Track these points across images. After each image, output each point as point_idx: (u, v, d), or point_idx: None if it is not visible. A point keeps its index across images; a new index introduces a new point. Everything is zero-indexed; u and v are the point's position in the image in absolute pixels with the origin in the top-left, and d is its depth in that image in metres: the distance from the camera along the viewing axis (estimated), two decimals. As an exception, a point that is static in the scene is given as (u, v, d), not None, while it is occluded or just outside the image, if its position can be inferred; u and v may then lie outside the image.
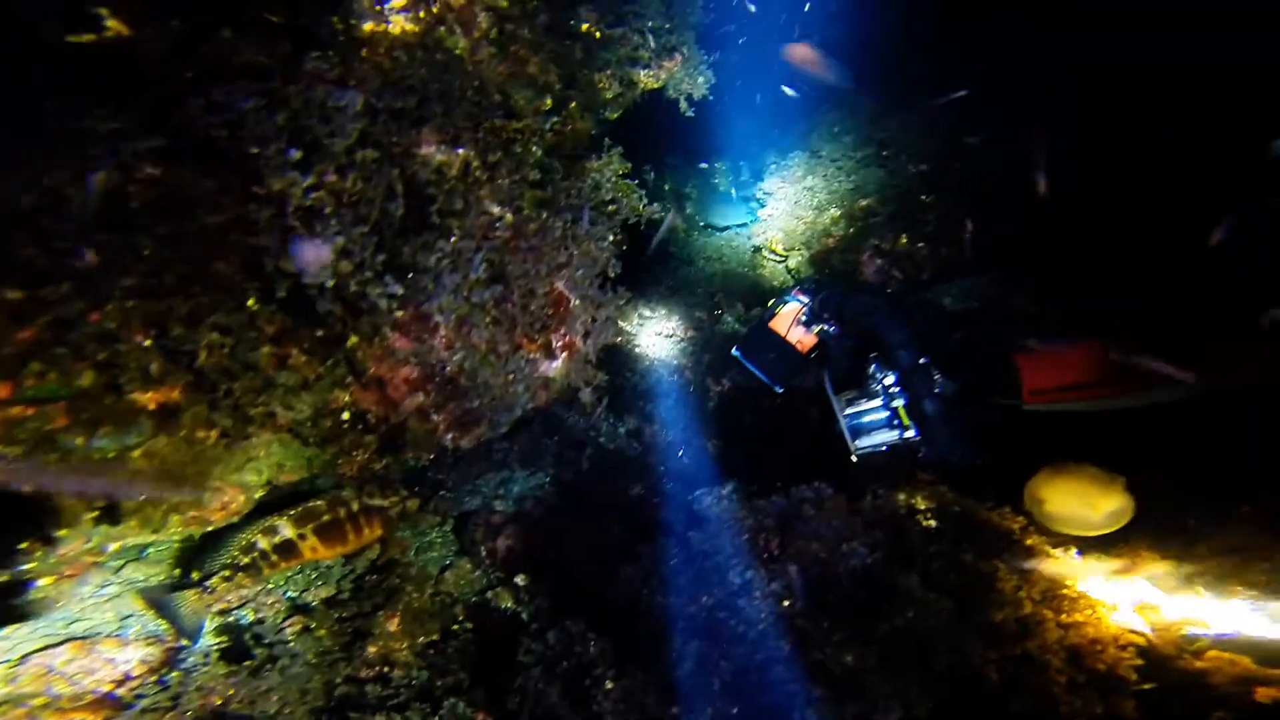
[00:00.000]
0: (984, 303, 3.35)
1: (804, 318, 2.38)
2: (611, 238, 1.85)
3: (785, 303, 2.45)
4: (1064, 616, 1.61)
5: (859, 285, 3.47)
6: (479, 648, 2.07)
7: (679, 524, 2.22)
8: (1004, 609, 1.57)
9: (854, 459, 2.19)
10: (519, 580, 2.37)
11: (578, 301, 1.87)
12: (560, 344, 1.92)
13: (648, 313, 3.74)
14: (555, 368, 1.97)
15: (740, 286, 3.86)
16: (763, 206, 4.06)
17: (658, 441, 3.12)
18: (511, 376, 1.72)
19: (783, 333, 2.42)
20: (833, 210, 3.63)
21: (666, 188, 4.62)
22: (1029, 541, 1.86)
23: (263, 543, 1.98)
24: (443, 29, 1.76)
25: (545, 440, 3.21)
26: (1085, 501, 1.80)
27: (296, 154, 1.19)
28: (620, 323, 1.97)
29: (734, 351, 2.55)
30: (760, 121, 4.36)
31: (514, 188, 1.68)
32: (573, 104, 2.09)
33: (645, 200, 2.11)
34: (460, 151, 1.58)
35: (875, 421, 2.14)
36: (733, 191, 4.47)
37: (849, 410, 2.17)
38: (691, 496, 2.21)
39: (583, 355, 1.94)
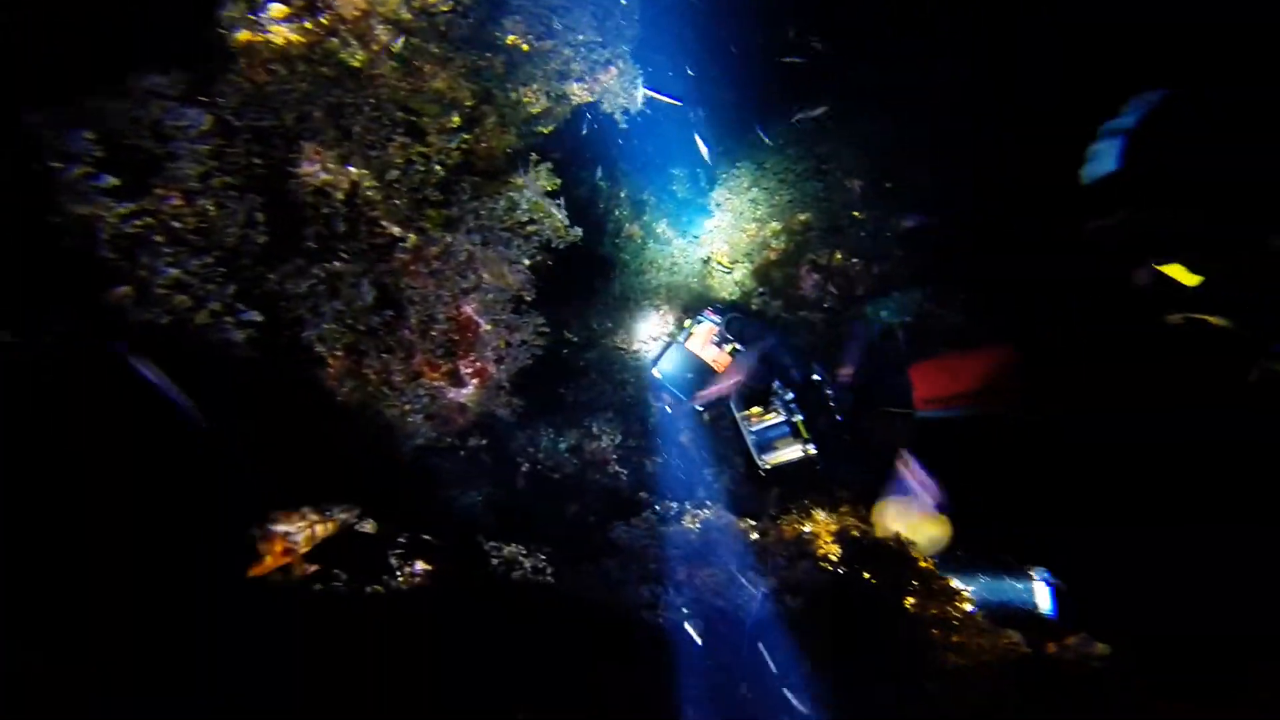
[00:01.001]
0: (918, 317, 3.39)
1: (715, 338, 2.44)
2: (527, 260, 1.76)
3: (700, 323, 2.51)
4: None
5: (797, 300, 3.46)
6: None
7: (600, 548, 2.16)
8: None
9: (762, 474, 2.23)
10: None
11: (488, 326, 1.78)
12: (470, 370, 1.82)
13: (594, 325, 3.67)
14: (467, 394, 1.88)
15: (689, 298, 3.82)
16: (711, 216, 4.02)
17: (597, 458, 3.05)
18: (408, 407, 1.61)
19: (699, 352, 2.46)
20: (773, 223, 3.61)
21: (622, 194, 4.55)
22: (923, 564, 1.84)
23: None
24: (335, 40, 1.64)
25: (481, 458, 3.10)
26: (910, 528, 1.83)
27: (111, 180, 1.07)
28: (537, 345, 1.88)
29: (653, 371, 2.53)
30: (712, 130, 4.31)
31: (414, 208, 1.57)
32: (489, 120, 1.99)
33: (567, 221, 2.02)
34: (351, 170, 1.47)
35: (779, 435, 2.14)
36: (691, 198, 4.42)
37: (755, 426, 2.19)
38: (611, 525, 2.14)
39: (495, 381, 1.85)
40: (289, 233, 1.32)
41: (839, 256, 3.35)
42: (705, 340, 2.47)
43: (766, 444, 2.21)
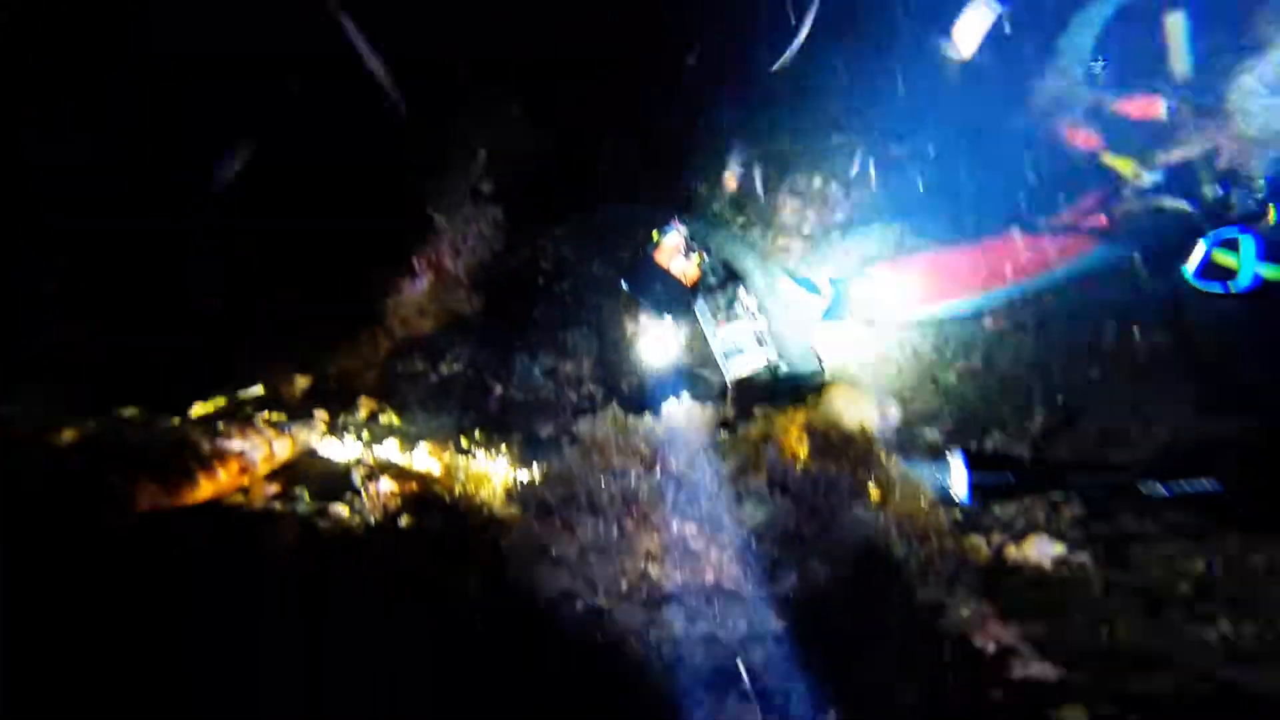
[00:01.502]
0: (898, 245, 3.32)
1: (682, 250, 2.36)
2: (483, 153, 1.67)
3: (666, 233, 2.40)
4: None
5: (777, 227, 3.38)
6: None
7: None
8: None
9: (730, 382, 2.19)
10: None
11: (441, 218, 1.70)
12: (423, 264, 1.75)
13: (567, 253, 3.57)
14: (422, 289, 1.81)
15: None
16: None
17: (573, 378, 3.00)
18: None
19: (666, 265, 2.32)
20: (753, 150, 3.50)
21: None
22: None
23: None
24: None
25: (454, 382, 3.05)
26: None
27: None
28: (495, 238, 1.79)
29: (621, 284, 2.49)
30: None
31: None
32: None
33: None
34: None
35: (744, 344, 2.12)
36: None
37: (721, 335, 2.14)
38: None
39: (452, 277, 1.78)
40: None
41: (818, 182, 3.26)
42: (672, 252, 2.36)
43: (732, 354, 2.20)
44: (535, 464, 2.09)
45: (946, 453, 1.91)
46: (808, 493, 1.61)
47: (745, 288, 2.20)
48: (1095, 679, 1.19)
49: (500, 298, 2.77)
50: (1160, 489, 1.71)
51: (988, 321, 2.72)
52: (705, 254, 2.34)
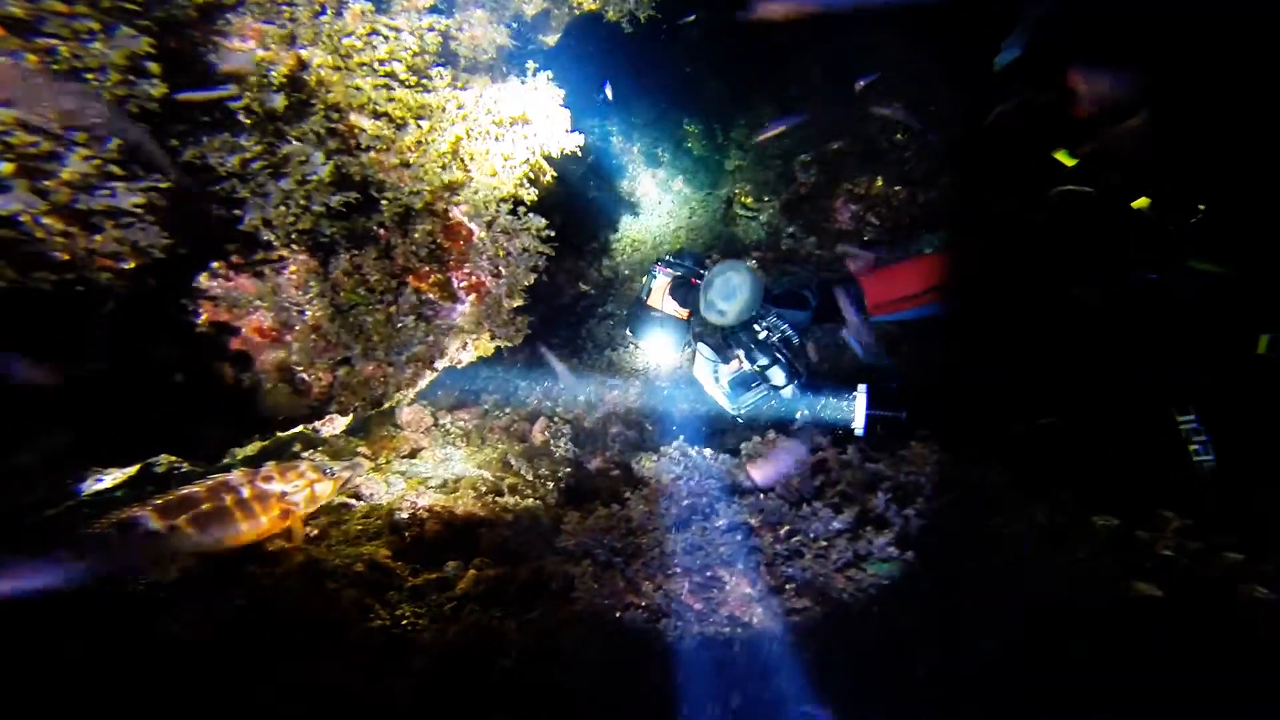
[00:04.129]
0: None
1: (670, 290, 2.31)
2: (519, 157, 1.50)
3: (655, 278, 2.35)
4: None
5: (833, 234, 3.11)
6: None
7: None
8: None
9: (738, 419, 2.14)
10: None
11: (482, 232, 1.53)
12: (464, 284, 1.57)
13: (609, 275, 3.39)
14: (463, 313, 1.63)
15: (711, 242, 3.52)
16: (729, 155, 3.70)
17: (618, 407, 2.79)
18: (395, 310, 1.36)
19: (660, 306, 2.31)
20: (802, 155, 3.26)
21: (635, 148, 4.25)
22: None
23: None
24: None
25: (496, 414, 2.88)
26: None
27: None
28: (540, 254, 1.60)
29: (628, 333, 2.52)
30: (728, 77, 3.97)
31: (380, 91, 1.32)
32: (472, 9, 1.73)
33: (566, 125, 1.74)
34: (299, 51, 1.23)
35: (748, 381, 2.10)
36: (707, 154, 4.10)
37: (727, 377, 2.11)
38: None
39: (495, 298, 1.60)
40: (208, 111, 1.08)
41: (880, 184, 2.98)
42: (663, 294, 2.32)
43: (737, 391, 2.14)
44: (586, 508, 1.85)
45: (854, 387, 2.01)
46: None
47: (741, 326, 2.15)
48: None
49: (544, 321, 2.62)
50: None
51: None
52: (691, 297, 2.28)
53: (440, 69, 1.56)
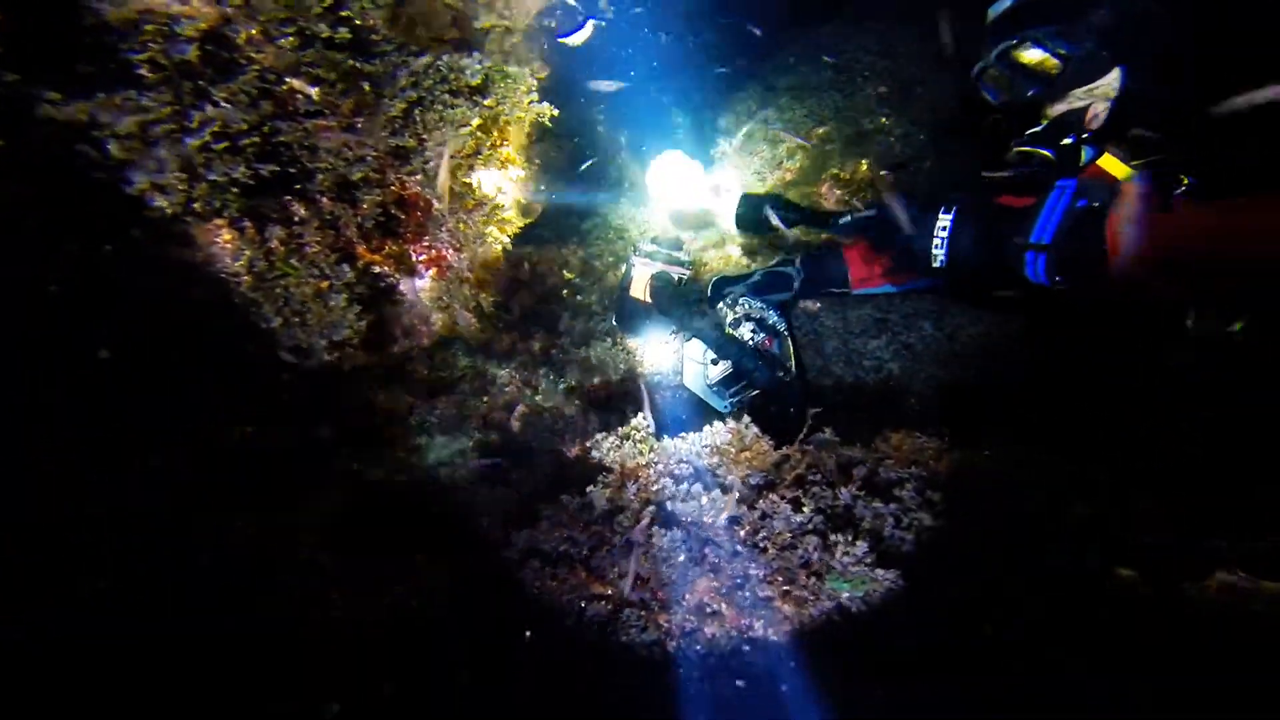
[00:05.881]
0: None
1: (648, 280, 2.30)
2: (475, 122, 1.39)
3: (634, 267, 2.35)
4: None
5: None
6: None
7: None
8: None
9: (726, 413, 2.06)
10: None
11: (439, 205, 1.42)
12: (424, 258, 1.47)
13: (595, 264, 3.28)
14: (424, 287, 1.53)
15: (698, 227, 3.41)
16: (715, 142, 3.59)
17: (599, 396, 2.68)
18: (328, 284, 1.25)
19: (642, 297, 2.28)
20: (788, 141, 3.16)
21: (622, 139, 4.13)
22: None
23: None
24: None
25: (472, 400, 2.77)
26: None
27: None
28: (503, 229, 1.50)
29: (613, 323, 2.49)
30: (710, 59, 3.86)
31: (317, 58, 1.21)
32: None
33: (535, 93, 1.64)
34: (219, 8, 1.12)
35: (732, 379, 2.09)
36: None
37: (713, 378, 2.07)
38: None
39: (456, 273, 1.49)
40: (106, 61, 0.97)
41: (864, 167, 2.89)
42: (644, 285, 2.31)
43: (723, 390, 2.13)
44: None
45: None
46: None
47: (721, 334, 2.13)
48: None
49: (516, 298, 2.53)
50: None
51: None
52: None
53: (390, 34, 1.45)
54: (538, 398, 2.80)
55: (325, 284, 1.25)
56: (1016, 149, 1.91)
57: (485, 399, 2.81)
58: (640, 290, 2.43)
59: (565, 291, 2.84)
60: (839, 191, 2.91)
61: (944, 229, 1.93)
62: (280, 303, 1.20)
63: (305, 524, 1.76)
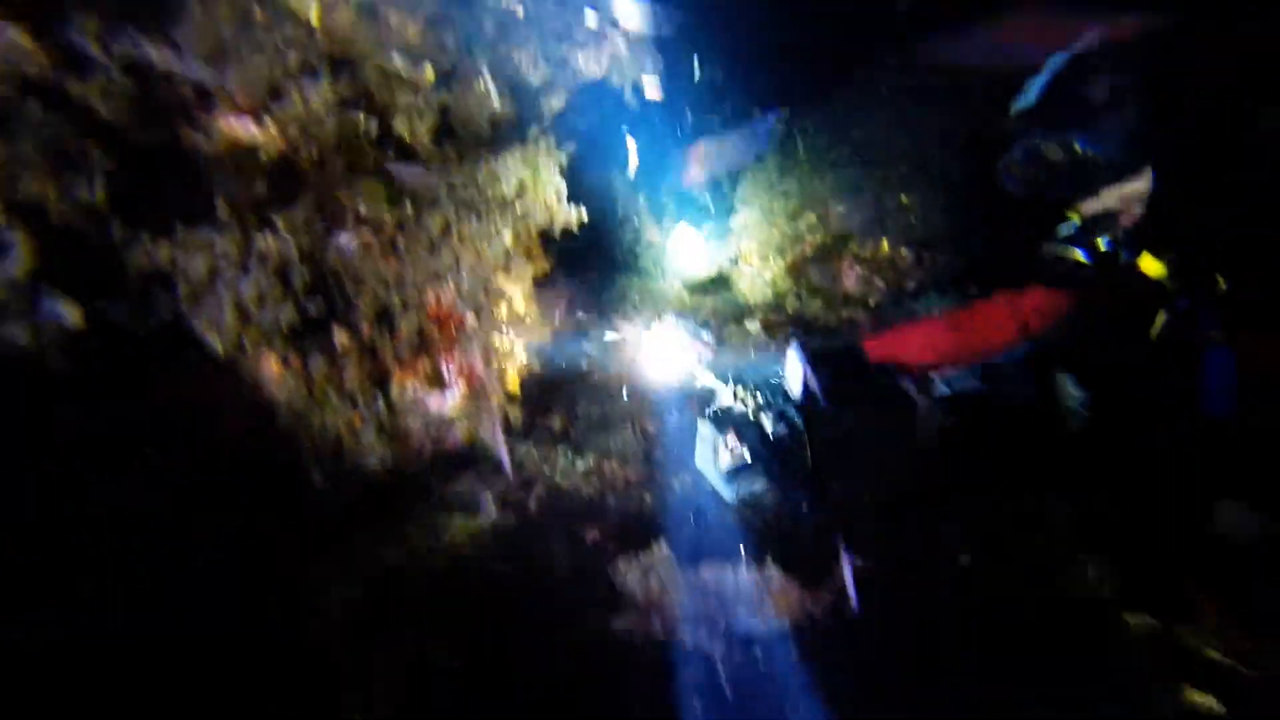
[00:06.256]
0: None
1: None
2: (508, 237, 1.39)
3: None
4: None
5: (839, 298, 2.99)
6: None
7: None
8: None
9: (733, 505, 1.94)
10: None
11: (472, 317, 1.41)
12: (455, 371, 1.45)
13: (610, 333, 3.27)
14: (453, 401, 1.50)
15: (714, 301, 3.41)
16: (736, 213, 3.62)
17: (618, 481, 2.62)
18: (361, 420, 1.23)
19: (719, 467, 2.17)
20: (809, 215, 3.18)
21: (640, 197, 4.19)
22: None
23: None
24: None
25: (490, 476, 2.72)
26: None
27: None
28: (536, 342, 1.49)
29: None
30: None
31: (371, 172, 1.23)
32: (475, 81, 1.65)
33: (564, 198, 1.65)
34: (285, 126, 1.13)
35: (746, 469, 1.90)
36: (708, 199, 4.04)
37: (726, 465, 1.90)
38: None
39: (485, 386, 1.47)
40: (183, 195, 0.99)
41: (885, 247, 2.89)
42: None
43: (733, 478, 1.96)
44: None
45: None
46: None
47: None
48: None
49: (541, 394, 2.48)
50: None
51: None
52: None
53: (440, 145, 1.47)
54: (556, 476, 2.76)
55: (359, 419, 1.23)
56: (1048, 250, 1.88)
57: (502, 477, 2.77)
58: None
59: (584, 375, 2.82)
60: (859, 269, 2.91)
61: None
62: (316, 435, 1.18)
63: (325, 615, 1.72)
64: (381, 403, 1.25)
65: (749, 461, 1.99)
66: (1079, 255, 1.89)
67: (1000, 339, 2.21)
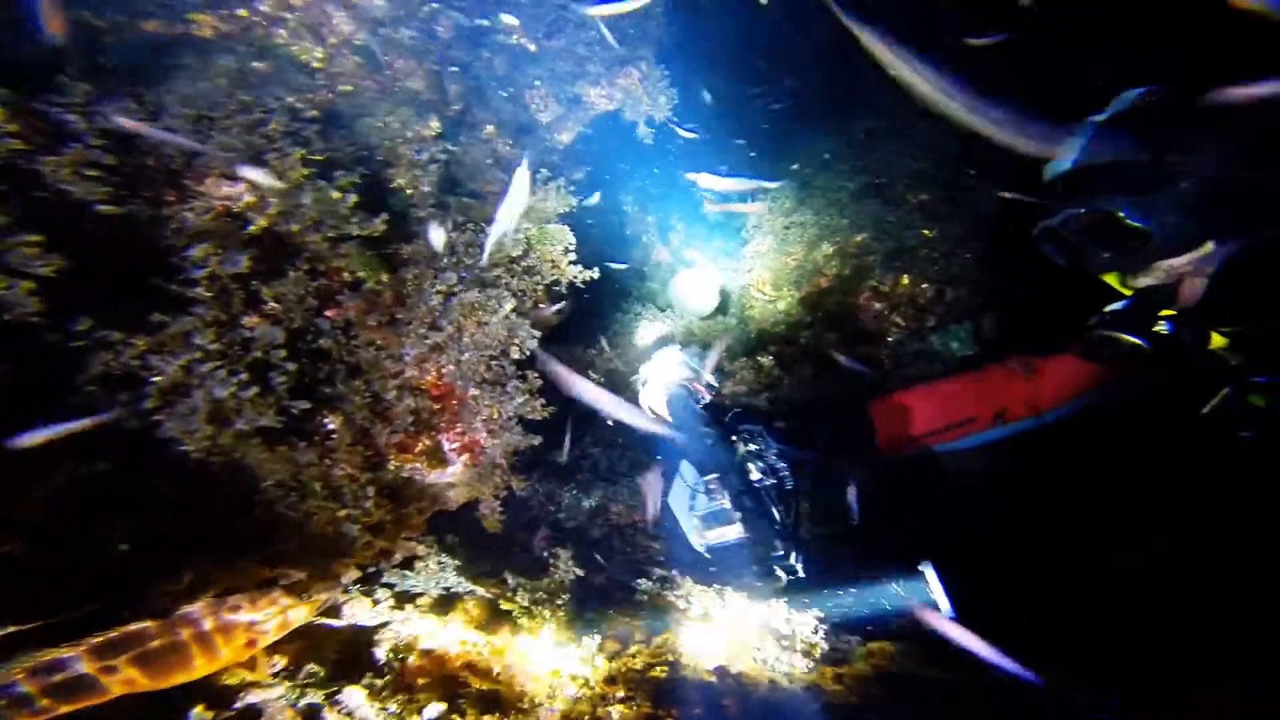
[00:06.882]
0: (984, 348, 2.82)
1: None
2: (510, 306, 1.28)
3: (643, 384, 2.18)
4: None
5: (856, 333, 2.87)
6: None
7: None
8: None
9: (705, 553, 1.81)
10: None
11: (474, 392, 1.32)
12: (456, 445, 1.36)
13: (621, 367, 3.17)
14: (454, 474, 1.41)
15: (723, 332, 3.30)
16: (749, 240, 3.50)
17: (624, 522, 2.54)
18: (346, 515, 1.13)
19: (655, 406, 2.16)
20: (825, 246, 3.05)
21: (649, 219, 4.08)
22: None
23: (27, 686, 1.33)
24: (282, 32, 1.23)
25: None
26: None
27: None
28: (541, 414, 1.39)
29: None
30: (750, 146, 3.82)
31: (369, 241, 1.13)
32: (483, 127, 1.55)
33: (571, 256, 1.54)
34: (276, 183, 1.03)
35: (721, 517, 1.77)
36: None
37: (701, 510, 1.80)
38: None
39: (489, 459, 1.38)
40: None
41: (905, 282, 2.77)
42: (661, 395, 2.11)
43: (708, 525, 1.84)
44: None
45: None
46: None
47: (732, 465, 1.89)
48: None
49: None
50: None
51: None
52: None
53: (444, 201, 1.37)
54: (560, 515, 2.68)
55: (344, 514, 1.13)
56: (1099, 331, 1.70)
57: (507, 517, 2.69)
58: (655, 399, 2.21)
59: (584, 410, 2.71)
60: (878, 305, 2.79)
61: None
62: (296, 527, 1.09)
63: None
64: (370, 500, 1.15)
65: (727, 509, 1.84)
66: (1136, 341, 1.69)
67: (1016, 410, 2.06)
